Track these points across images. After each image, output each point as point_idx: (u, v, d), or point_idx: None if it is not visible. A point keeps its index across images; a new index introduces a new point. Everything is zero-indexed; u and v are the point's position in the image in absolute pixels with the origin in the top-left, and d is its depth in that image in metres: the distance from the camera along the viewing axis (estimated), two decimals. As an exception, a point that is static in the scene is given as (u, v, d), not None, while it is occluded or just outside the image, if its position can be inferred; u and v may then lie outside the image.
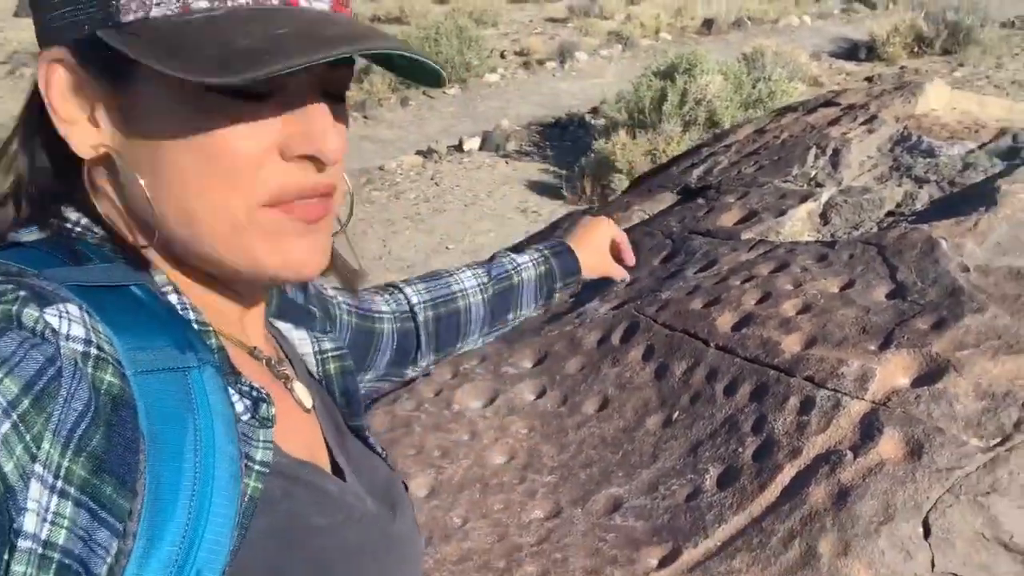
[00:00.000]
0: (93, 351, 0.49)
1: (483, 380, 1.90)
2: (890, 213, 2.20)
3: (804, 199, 2.30)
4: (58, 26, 0.56)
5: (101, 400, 0.48)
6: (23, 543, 0.43)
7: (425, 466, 1.69)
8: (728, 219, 2.33)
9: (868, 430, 1.44)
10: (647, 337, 1.88)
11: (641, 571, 1.37)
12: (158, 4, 0.53)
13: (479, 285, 1.09)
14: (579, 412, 1.77)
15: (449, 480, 1.65)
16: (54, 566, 0.43)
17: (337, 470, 0.69)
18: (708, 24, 14.87)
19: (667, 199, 2.68)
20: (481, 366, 1.94)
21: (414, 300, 1.05)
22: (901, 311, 1.67)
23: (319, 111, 0.57)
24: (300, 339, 0.77)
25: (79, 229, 0.59)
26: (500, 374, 1.91)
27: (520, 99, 11.84)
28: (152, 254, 0.60)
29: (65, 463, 0.45)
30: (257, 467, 0.55)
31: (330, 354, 0.78)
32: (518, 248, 1.31)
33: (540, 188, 9.00)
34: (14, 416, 0.44)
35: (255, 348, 0.67)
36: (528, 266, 1.14)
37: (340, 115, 0.60)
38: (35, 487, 0.43)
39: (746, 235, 2.19)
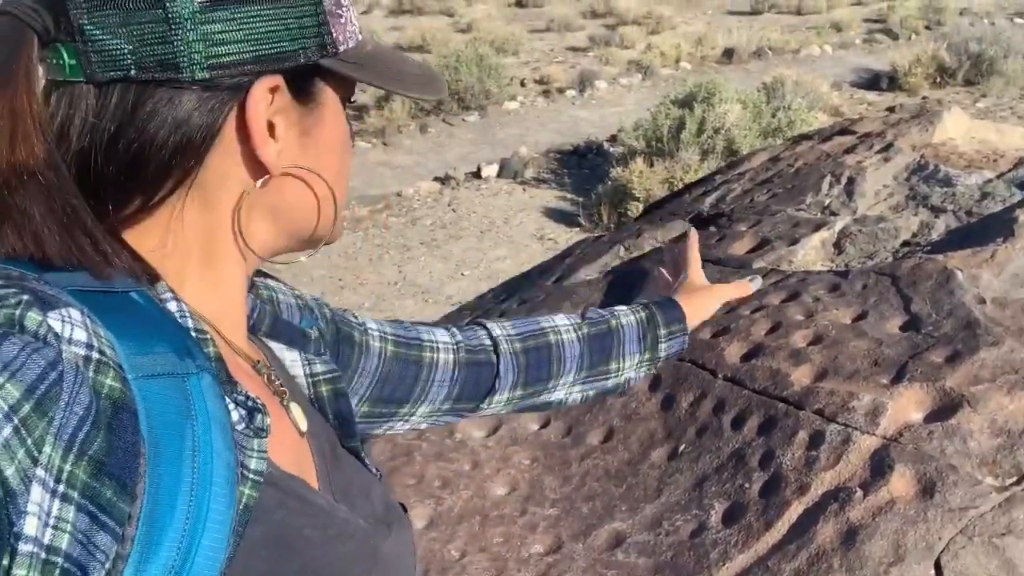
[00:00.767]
0: (95, 355, 0.49)
1: (486, 409, 1.87)
2: (905, 243, 2.16)
3: (817, 228, 2.26)
4: (258, 55, 0.60)
5: (102, 404, 0.48)
6: (24, 547, 0.42)
7: (424, 496, 1.65)
8: (740, 247, 2.29)
9: (879, 466, 1.40)
10: (654, 367, 1.84)
11: (641, 610, 1.33)
12: (349, 38, 0.64)
13: (572, 324, 1.04)
14: (583, 443, 1.74)
15: (448, 511, 1.62)
16: (57, 571, 0.43)
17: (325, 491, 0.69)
18: (728, 54, 14.90)
19: (679, 227, 2.65)
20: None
21: (497, 332, 1.00)
22: (915, 343, 1.63)
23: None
24: (292, 360, 0.78)
25: None
26: (504, 403, 1.88)
27: (539, 127, 11.89)
28: (169, 263, 0.61)
29: (67, 467, 0.45)
30: (252, 476, 0.56)
31: (321, 377, 0.78)
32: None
33: (557, 215, 9.00)
34: (16, 420, 0.43)
35: (258, 362, 0.68)
36: (625, 312, 1.08)
37: None
38: (36, 491, 0.43)
39: (758, 264, 2.16)
